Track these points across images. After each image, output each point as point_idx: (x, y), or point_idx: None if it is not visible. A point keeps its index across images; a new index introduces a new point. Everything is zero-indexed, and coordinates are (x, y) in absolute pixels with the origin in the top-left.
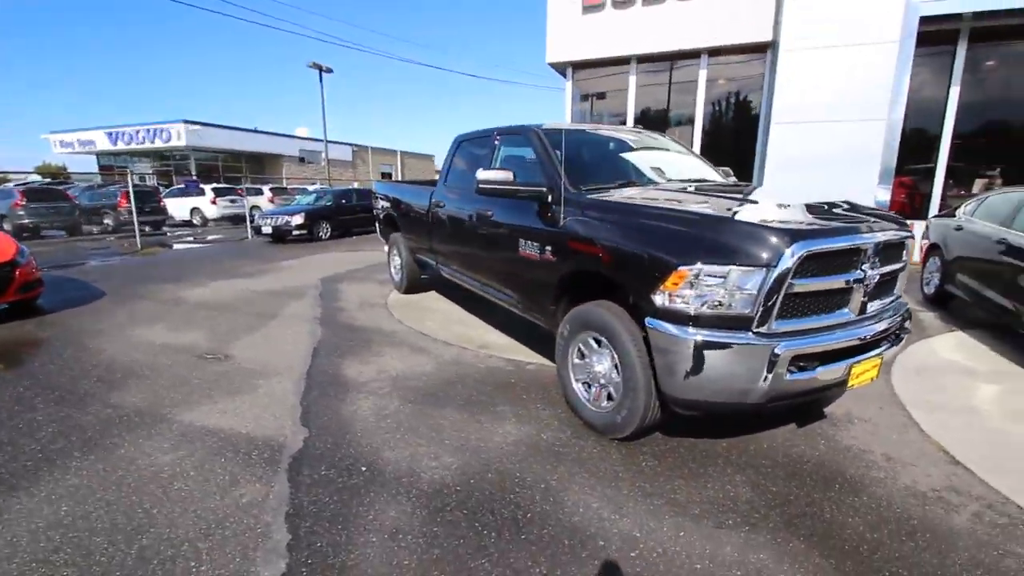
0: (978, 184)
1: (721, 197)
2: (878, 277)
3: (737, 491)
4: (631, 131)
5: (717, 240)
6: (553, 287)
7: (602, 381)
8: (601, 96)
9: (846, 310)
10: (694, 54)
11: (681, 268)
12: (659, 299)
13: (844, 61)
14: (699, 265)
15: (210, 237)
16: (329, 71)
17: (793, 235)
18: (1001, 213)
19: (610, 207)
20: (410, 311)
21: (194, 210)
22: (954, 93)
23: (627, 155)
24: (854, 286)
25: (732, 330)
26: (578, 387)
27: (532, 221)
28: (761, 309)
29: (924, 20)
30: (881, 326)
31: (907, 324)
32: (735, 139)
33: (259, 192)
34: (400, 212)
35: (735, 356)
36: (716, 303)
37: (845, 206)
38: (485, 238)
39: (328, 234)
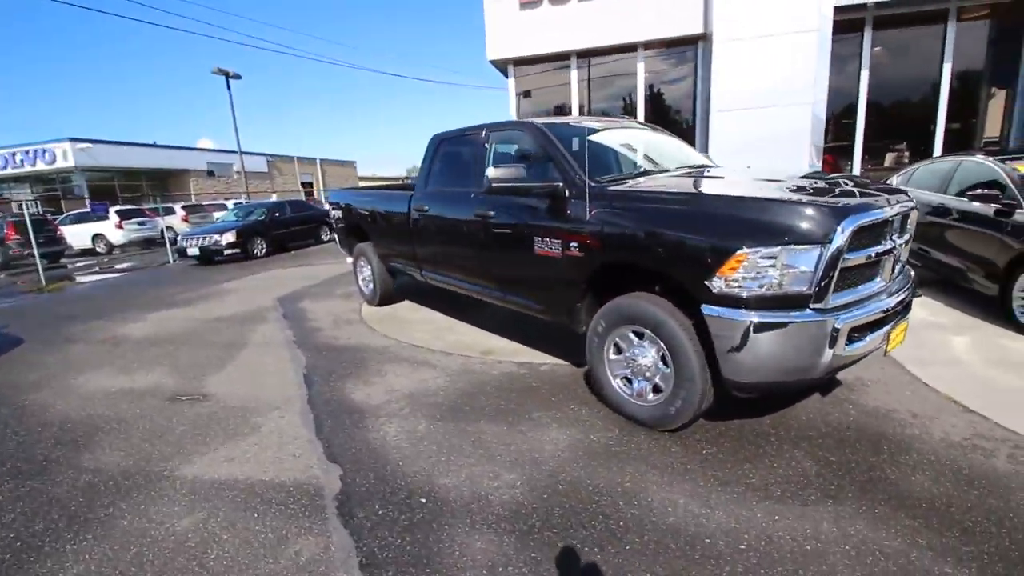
0: (889, 158)
1: (747, 179)
2: (902, 246)
3: (802, 466)
4: (619, 121)
5: (772, 221)
6: (580, 283)
7: (647, 374)
8: (534, 92)
9: (879, 280)
10: (631, 48)
11: (739, 252)
12: (717, 285)
13: (771, 50)
14: (757, 247)
15: (121, 265)
16: (237, 77)
17: (843, 211)
18: (933, 182)
19: (646, 197)
20: (391, 324)
21: (97, 236)
22: (864, 76)
23: (626, 145)
24: (885, 256)
25: (792, 309)
26: (618, 383)
27: (548, 218)
28: (819, 285)
29: (837, 9)
30: (904, 292)
31: (917, 289)
32: (674, 127)
33: (170, 211)
34: (370, 220)
35: (800, 334)
36: (775, 284)
37: (850, 183)
38: (489, 240)
39: (264, 251)
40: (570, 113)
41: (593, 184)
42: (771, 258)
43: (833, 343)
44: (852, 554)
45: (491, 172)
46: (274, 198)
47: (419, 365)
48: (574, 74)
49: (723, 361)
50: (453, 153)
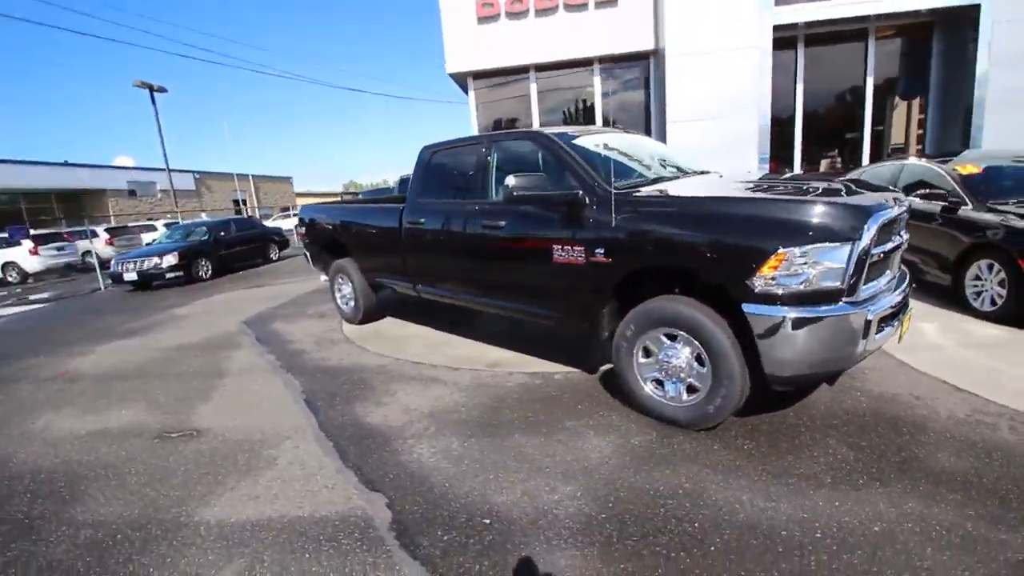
0: (823, 164)
1: (767, 182)
2: (905, 241)
3: (840, 453)
4: (608, 129)
5: (808, 221)
6: (605, 290)
7: (681, 375)
8: (495, 105)
9: (889, 273)
10: (587, 62)
11: (780, 251)
12: (758, 284)
13: (719, 65)
14: (795, 246)
15: (40, 295)
16: (162, 90)
17: (869, 209)
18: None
19: (678, 202)
20: (381, 341)
21: (8, 265)
22: (799, 88)
23: (624, 151)
24: (894, 252)
25: (827, 303)
26: (649, 387)
27: (568, 226)
28: (851, 280)
29: (775, 28)
30: (905, 285)
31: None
32: None
33: (93, 234)
34: (351, 235)
35: (838, 326)
36: (811, 280)
37: (852, 185)
38: (498, 250)
39: (209, 273)
40: (531, 126)
41: (617, 192)
42: (808, 255)
43: (866, 333)
44: (917, 531)
45: (512, 181)
46: (204, 216)
47: (428, 382)
48: (533, 87)
49: (765, 357)
50: (448, 164)
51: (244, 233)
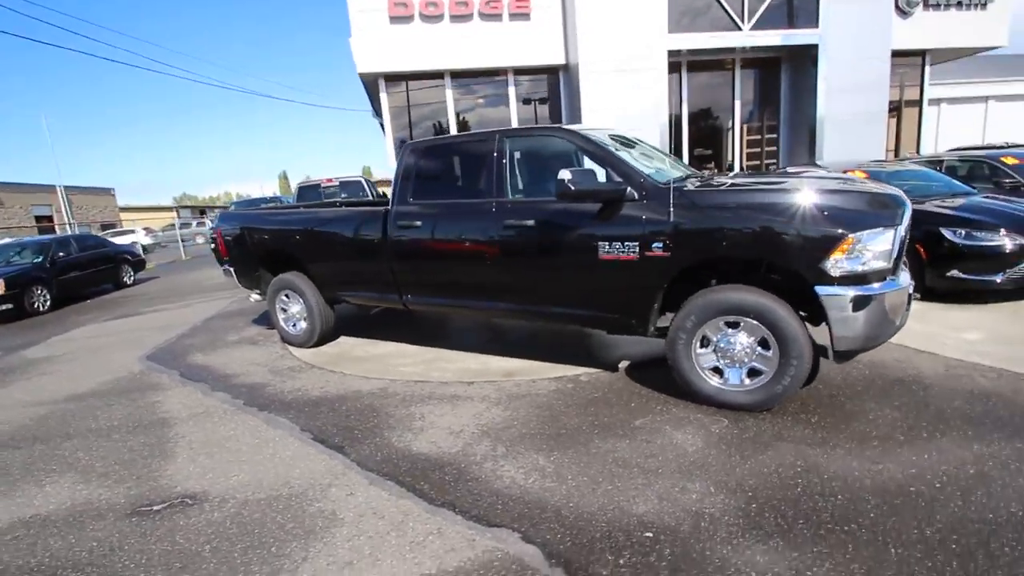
0: (705, 172)
1: (798, 175)
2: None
3: (888, 414)
4: (613, 130)
5: (865, 209)
6: (662, 283)
7: (745, 360)
8: (410, 108)
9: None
10: (502, 72)
11: (849, 236)
12: (829, 267)
13: (628, 82)
14: (859, 231)
15: None
16: None
17: (901, 198)
18: None
19: (743, 192)
20: (357, 363)
21: None
22: (685, 106)
23: (648, 152)
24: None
25: (879, 282)
26: (708, 375)
27: (616, 222)
28: (894, 261)
29: (669, 53)
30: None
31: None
32: None
33: None
34: (308, 245)
35: (895, 300)
36: (868, 262)
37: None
38: (525, 251)
39: (48, 304)
40: (449, 131)
41: (672, 186)
42: (866, 240)
43: (908, 306)
44: (997, 469)
45: (567, 175)
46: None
47: (452, 401)
48: (450, 93)
49: (836, 334)
50: (446, 162)
51: (89, 253)
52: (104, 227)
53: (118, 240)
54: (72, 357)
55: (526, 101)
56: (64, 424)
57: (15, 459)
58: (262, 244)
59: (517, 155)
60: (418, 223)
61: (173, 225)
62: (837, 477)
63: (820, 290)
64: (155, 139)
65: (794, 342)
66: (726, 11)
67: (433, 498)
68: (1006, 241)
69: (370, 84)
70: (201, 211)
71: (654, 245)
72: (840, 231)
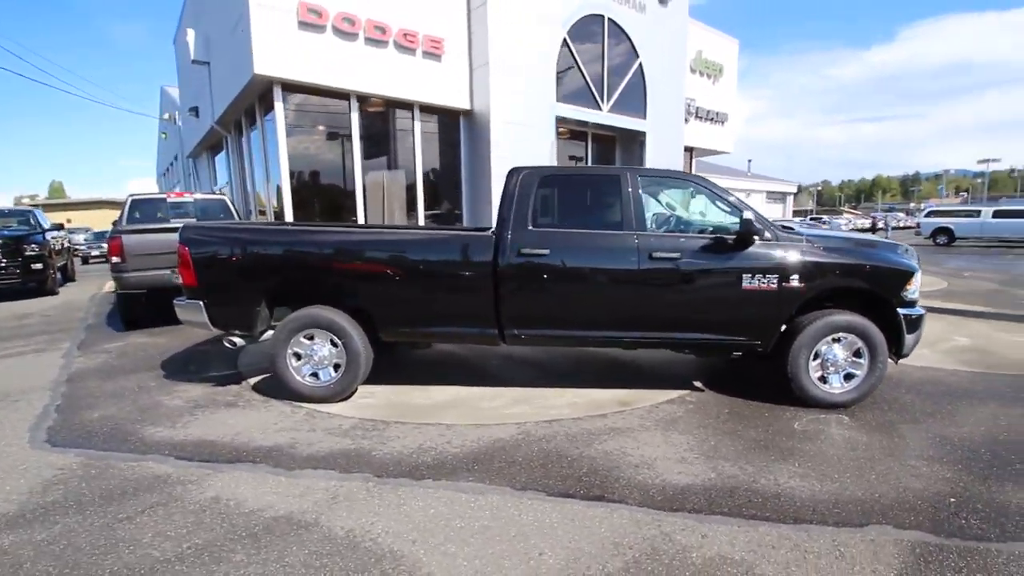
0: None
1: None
2: None
3: (924, 405)
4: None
5: (906, 253)
6: (793, 310)
7: (845, 367)
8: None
9: None
10: (408, 105)
11: (916, 272)
12: (905, 294)
13: (530, 134)
14: (918, 271)
15: None
16: None
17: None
18: None
19: (840, 238)
20: (439, 412)
21: None
22: (556, 161)
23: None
24: None
25: (916, 307)
26: (817, 381)
27: (755, 257)
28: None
29: (557, 119)
30: None
31: None
32: (447, 187)
33: None
34: (377, 273)
35: (922, 320)
36: (918, 291)
37: None
38: (667, 280)
39: None
40: (354, 153)
41: (799, 230)
42: (918, 276)
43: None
44: None
45: (751, 215)
46: None
47: (620, 434)
48: (355, 116)
49: (906, 343)
50: (573, 193)
51: None
52: None
53: None
54: None
55: (428, 139)
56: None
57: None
58: (282, 271)
59: (646, 192)
60: (545, 251)
61: None
62: (990, 449)
63: (902, 311)
64: None
65: (882, 351)
66: (592, 93)
67: (790, 517)
68: None
69: (261, 90)
70: None
71: (791, 278)
72: (912, 269)
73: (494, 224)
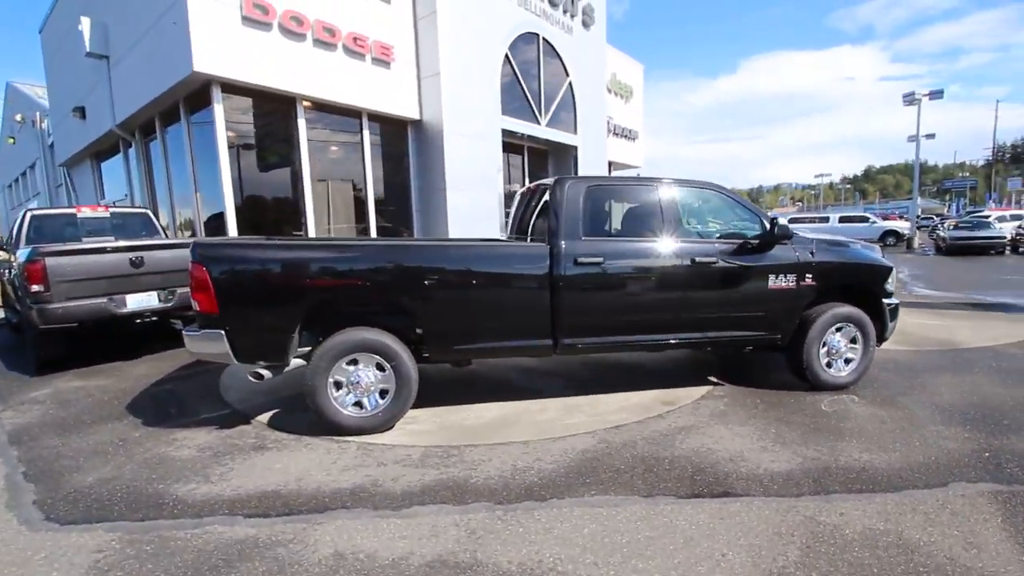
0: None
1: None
2: None
3: (891, 378)
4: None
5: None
6: (806, 305)
7: (844, 353)
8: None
9: None
10: (357, 113)
11: (893, 268)
12: (887, 288)
13: (481, 148)
14: (893, 266)
15: None
16: None
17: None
18: None
19: (832, 240)
20: (500, 430)
21: None
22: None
23: None
24: None
25: (893, 297)
26: (825, 366)
27: (777, 258)
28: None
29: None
30: None
31: None
32: (397, 198)
33: None
34: (430, 288)
35: (897, 308)
36: (891, 285)
37: None
38: (714, 283)
39: None
40: (302, 162)
41: (808, 233)
42: (894, 270)
43: None
44: None
45: (783, 221)
46: None
47: (693, 432)
48: (302, 122)
49: (888, 328)
50: (618, 201)
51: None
52: None
53: None
54: None
55: (376, 148)
56: None
57: None
58: (326, 289)
59: (679, 201)
60: (599, 259)
61: None
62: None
63: (886, 301)
64: None
65: (871, 337)
66: (532, 108)
67: (891, 486)
68: None
69: (198, 89)
70: None
71: (807, 276)
72: (890, 266)
73: (506, 233)
